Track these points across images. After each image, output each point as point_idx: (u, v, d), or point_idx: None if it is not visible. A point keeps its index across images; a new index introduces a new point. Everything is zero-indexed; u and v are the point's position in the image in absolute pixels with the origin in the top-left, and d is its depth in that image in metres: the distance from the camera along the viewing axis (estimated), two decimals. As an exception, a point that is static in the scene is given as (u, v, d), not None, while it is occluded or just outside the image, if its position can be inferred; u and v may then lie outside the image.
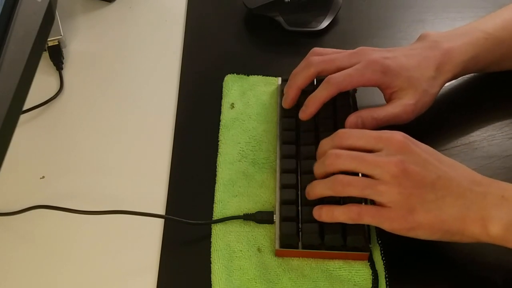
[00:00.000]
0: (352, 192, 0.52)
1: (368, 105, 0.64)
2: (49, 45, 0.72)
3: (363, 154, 0.53)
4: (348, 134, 0.55)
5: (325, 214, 0.54)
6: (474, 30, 0.63)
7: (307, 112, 0.61)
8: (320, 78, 0.63)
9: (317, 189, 0.54)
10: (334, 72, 0.61)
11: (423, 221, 0.51)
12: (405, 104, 0.60)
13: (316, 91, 0.60)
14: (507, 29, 0.63)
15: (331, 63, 0.61)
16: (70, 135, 0.67)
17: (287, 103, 0.63)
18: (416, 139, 0.55)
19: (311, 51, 0.63)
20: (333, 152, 0.54)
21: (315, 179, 0.56)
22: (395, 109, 0.60)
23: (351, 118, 0.59)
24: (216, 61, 0.73)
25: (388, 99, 0.61)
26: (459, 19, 0.76)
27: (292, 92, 0.63)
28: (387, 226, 0.52)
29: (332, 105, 0.62)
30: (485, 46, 0.62)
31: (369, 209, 0.52)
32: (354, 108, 0.64)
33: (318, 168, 0.55)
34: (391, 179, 0.51)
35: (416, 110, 0.60)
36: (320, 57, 0.62)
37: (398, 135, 0.53)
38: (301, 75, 0.62)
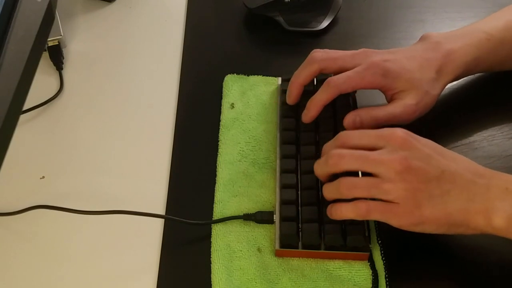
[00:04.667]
0: (358, 193, 0.52)
1: (368, 105, 0.64)
2: (49, 45, 0.72)
3: (366, 153, 0.53)
4: (350, 136, 0.55)
5: (334, 212, 0.54)
6: (476, 31, 0.62)
7: (308, 115, 0.61)
8: (319, 78, 0.63)
9: (325, 194, 0.55)
10: (336, 71, 0.61)
11: (430, 216, 0.51)
12: (406, 104, 0.59)
13: (317, 94, 0.60)
14: (509, 29, 0.63)
15: (333, 62, 0.61)
16: (70, 135, 0.67)
17: (291, 99, 0.63)
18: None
19: (311, 52, 0.63)
20: (336, 152, 0.53)
21: (316, 179, 0.57)
22: (395, 109, 0.59)
23: (349, 116, 0.59)
24: (216, 61, 0.73)
25: (390, 100, 0.61)
26: (459, 19, 0.76)
27: (294, 90, 0.63)
28: (395, 222, 0.52)
29: (332, 105, 0.61)
30: (487, 47, 0.62)
31: (377, 205, 0.52)
32: (354, 108, 0.63)
33: (321, 168, 0.55)
34: (396, 176, 0.51)
35: (418, 111, 0.60)
36: (323, 54, 0.61)
37: (399, 132, 0.53)
38: (303, 72, 0.62)
